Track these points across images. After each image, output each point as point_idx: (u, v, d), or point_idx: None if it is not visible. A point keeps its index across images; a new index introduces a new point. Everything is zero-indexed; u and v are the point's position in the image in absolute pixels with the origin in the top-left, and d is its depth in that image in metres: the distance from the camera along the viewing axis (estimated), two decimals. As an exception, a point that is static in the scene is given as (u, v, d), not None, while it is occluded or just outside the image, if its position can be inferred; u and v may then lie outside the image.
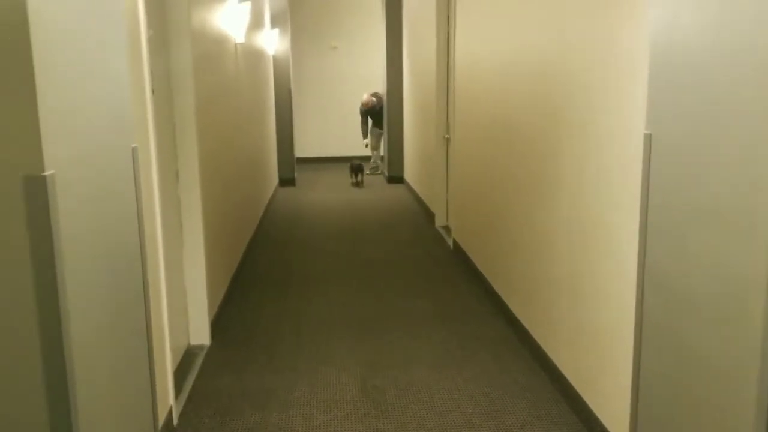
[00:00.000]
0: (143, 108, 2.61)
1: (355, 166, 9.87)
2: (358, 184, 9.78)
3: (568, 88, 2.95)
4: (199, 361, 3.56)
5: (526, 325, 3.68)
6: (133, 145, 1.95)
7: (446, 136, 6.49)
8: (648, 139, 1.75)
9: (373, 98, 10.50)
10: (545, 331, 3.39)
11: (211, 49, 4.29)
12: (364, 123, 10.82)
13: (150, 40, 2.90)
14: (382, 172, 10.64)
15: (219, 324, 4.01)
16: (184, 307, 3.69)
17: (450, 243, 5.93)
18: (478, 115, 4.78)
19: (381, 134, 10.58)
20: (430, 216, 7.11)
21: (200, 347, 3.73)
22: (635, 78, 2.26)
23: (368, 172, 10.70)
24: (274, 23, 9.08)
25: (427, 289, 4.76)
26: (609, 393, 2.63)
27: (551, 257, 3.25)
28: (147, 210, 2.47)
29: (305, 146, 11.72)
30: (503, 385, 3.23)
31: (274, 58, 9.14)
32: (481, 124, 4.72)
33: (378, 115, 10.55)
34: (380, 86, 11.29)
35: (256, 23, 6.97)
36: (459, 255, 5.50)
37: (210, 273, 3.84)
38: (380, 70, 11.18)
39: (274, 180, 9.12)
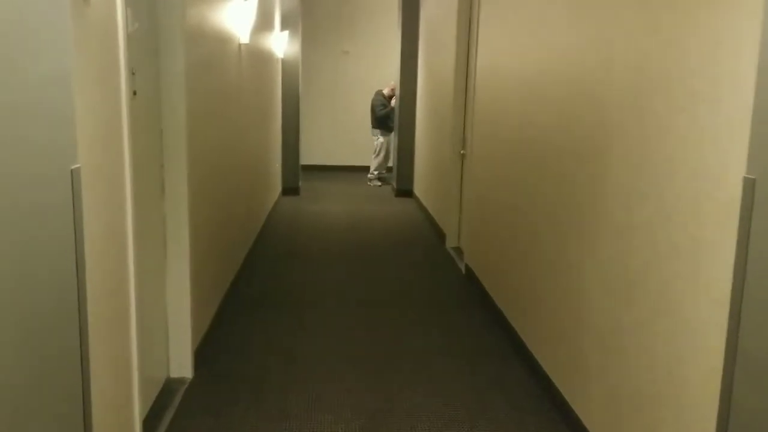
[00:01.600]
0: (117, 113, 2.21)
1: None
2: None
3: (618, 112, 2.53)
4: (177, 399, 3.14)
5: (549, 373, 3.25)
6: (74, 166, 1.53)
7: (462, 151, 6.07)
8: (750, 185, 1.34)
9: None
10: (573, 384, 2.96)
11: (211, 49, 3.89)
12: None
13: (133, 35, 2.50)
14: (387, 181, 10.31)
15: (204, 354, 3.59)
16: (164, 335, 3.27)
17: (462, 267, 5.50)
18: (501, 132, 4.36)
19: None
20: (440, 235, 6.69)
21: (181, 381, 3.31)
22: (725, 107, 1.84)
23: (379, 184, 10.34)
24: (285, 25, 8.70)
25: (438, 321, 4.33)
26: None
27: (584, 302, 2.82)
28: (108, 234, 2.07)
29: (311, 153, 11.31)
30: (523, 447, 2.80)
31: (283, 62, 8.75)
32: (503, 143, 4.30)
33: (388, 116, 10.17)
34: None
35: (265, 24, 6.58)
36: (472, 282, 5.07)
37: (196, 297, 3.43)
38: (393, 77, 10.79)
39: (277, 189, 8.71)
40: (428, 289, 5.04)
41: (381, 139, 10.28)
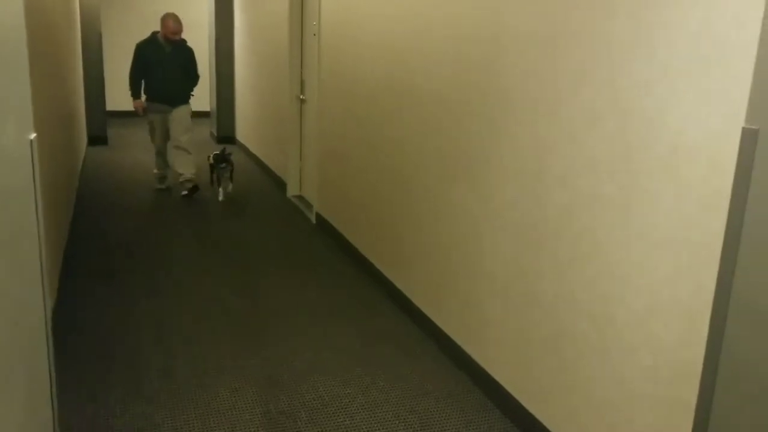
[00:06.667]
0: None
1: (219, 158, 5.90)
2: (225, 195, 6.06)
3: (522, 54, 2.54)
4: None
5: (432, 317, 3.30)
6: (31, 136, 1.18)
7: (301, 96, 5.85)
8: (752, 136, 1.38)
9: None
10: (468, 330, 3.03)
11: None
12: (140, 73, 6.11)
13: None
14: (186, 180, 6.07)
15: (57, 335, 3.15)
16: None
17: (312, 217, 5.38)
18: (361, 77, 4.24)
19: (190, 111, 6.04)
20: (278, 184, 6.47)
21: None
22: (660, 57, 1.89)
23: (161, 186, 6.31)
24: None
25: (303, 275, 4.20)
26: (573, 405, 2.33)
27: (485, 252, 2.88)
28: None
29: (114, 98, 10.28)
30: (425, 392, 2.83)
31: (81, -6, 7.75)
32: (364, 88, 4.18)
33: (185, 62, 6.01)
34: (203, 30, 10.21)
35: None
36: (326, 231, 4.98)
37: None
38: (202, 12, 10.08)
39: (84, 139, 7.83)
40: (285, 243, 4.86)
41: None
